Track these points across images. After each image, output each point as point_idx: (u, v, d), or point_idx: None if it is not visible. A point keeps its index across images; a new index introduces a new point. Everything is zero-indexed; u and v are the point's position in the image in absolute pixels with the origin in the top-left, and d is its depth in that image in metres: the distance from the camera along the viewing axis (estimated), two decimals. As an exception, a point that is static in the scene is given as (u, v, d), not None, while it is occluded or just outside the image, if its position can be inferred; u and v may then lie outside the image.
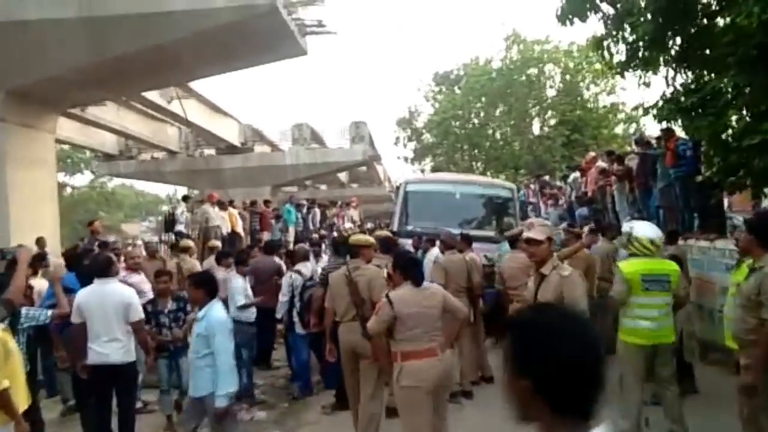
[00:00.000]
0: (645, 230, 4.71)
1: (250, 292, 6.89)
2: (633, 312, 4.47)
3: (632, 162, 9.71)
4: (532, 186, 16.89)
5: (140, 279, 5.93)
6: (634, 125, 29.74)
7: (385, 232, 7.43)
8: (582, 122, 28.17)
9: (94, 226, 10.08)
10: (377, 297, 4.57)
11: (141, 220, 54.29)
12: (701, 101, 6.08)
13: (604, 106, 29.59)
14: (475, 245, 8.47)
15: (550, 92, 29.75)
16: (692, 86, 6.71)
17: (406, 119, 35.63)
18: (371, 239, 5.52)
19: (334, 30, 12.31)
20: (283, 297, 6.61)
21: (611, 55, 8.04)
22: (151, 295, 5.93)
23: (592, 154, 13.35)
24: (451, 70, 33.96)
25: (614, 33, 7.99)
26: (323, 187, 44.24)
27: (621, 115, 29.73)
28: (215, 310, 4.28)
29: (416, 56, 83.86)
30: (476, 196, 9.34)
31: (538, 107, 30.05)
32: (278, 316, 6.72)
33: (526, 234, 3.61)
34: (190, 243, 10.12)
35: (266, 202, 15.47)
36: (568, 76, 28.45)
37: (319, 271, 6.41)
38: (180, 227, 12.76)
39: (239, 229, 13.46)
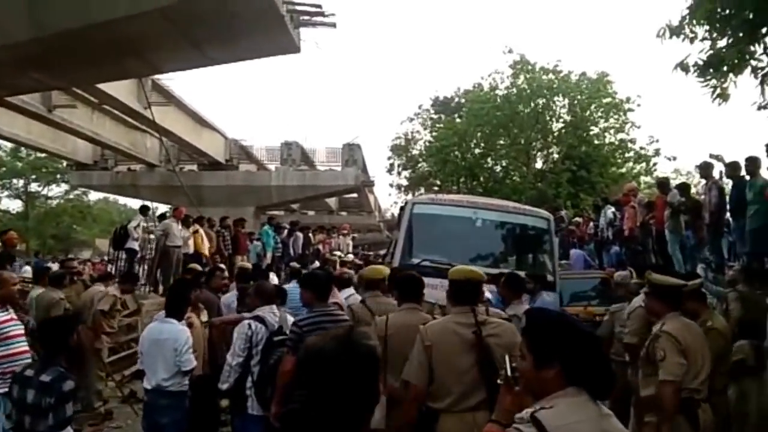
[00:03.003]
0: None
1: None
2: None
3: (711, 193, 7.70)
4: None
5: None
6: (643, 164, 28.45)
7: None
8: (589, 158, 26.65)
9: (7, 237, 7.88)
10: None
11: (117, 236, 51.66)
12: None
13: (611, 143, 28.14)
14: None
15: (556, 125, 28.24)
16: None
17: (401, 146, 34.06)
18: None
19: (333, 21, 10.35)
20: (234, 358, 4.31)
21: (692, 39, 6.18)
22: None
23: (633, 185, 11.53)
24: (452, 97, 32.62)
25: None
26: (311, 212, 42.35)
27: (630, 153, 28.26)
28: None
29: (414, 78, 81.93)
30: (502, 224, 7.31)
31: (543, 140, 28.51)
32: (222, 386, 4.37)
33: None
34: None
35: (239, 222, 13.37)
36: (578, 109, 26.86)
37: (290, 320, 4.21)
38: (133, 244, 10.58)
39: (205, 250, 11.34)
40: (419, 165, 32.73)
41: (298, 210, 39.99)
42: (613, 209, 11.41)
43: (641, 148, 27.87)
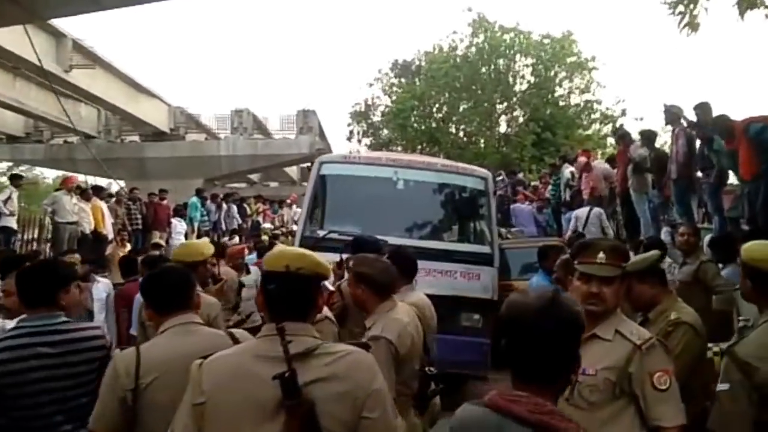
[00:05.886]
0: None
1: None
2: None
3: (678, 142, 6.44)
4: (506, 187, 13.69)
5: None
6: (609, 125, 27.53)
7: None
8: (553, 120, 25.63)
9: None
10: None
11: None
12: None
13: (577, 104, 27.14)
14: (427, 266, 5.29)
15: (520, 86, 27.08)
16: None
17: (362, 112, 32.50)
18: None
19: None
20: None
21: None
22: None
23: (583, 158, 10.31)
24: (412, 60, 31.13)
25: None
26: (273, 184, 40.68)
27: (596, 115, 27.28)
28: None
29: (373, 41, 77.27)
30: (429, 185, 6.00)
31: (506, 103, 27.36)
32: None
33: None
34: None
35: (159, 193, 11.85)
36: (540, 66, 25.70)
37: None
38: (8, 221, 8.93)
39: (107, 227, 9.84)
40: (380, 131, 31.30)
41: (260, 182, 38.44)
42: (571, 169, 10.23)
43: (607, 108, 26.93)
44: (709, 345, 4.32)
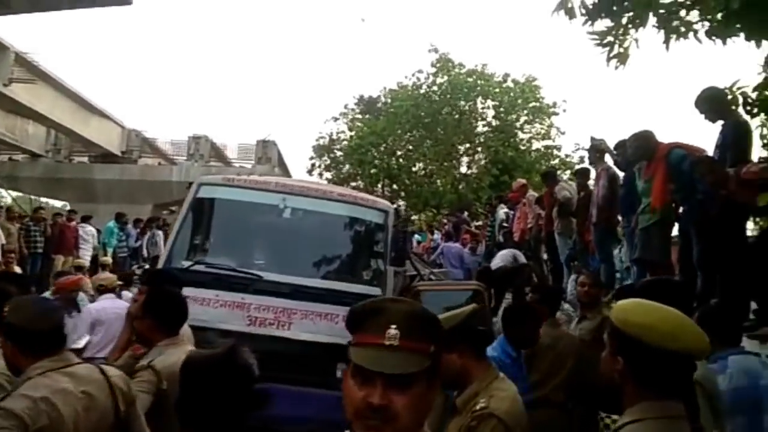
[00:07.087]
0: None
1: None
2: None
3: (599, 183, 5.95)
4: (446, 226, 13.23)
5: None
6: (567, 172, 27.57)
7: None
8: (513, 164, 25.56)
9: None
10: None
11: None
12: None
13: (537, 150, 27.19)
14: (305, 307, 4.70)
15: (482, 129, 27.08)
16: None
17: (324, 146, 32.09)
18: None
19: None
20: None
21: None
22: None
23: (523, 181, 9.90)
24: (378, 96, 31.04)
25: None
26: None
27: (555, 161, 27.33)
28: None
29: (341, 75, 76.18)
30: (321, 216, 5.33)
31: (468, 144, 27.28)
32: None
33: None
34: None
35: (68, 213, 11.02)
36: (501, 109, 25.76)
37: None
38: None
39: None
40: (341, 166, 30.92)
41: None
42: (506, 209, 9.77)
43: (566, 155, 26.99)
44: (602, 415, 3.66)
